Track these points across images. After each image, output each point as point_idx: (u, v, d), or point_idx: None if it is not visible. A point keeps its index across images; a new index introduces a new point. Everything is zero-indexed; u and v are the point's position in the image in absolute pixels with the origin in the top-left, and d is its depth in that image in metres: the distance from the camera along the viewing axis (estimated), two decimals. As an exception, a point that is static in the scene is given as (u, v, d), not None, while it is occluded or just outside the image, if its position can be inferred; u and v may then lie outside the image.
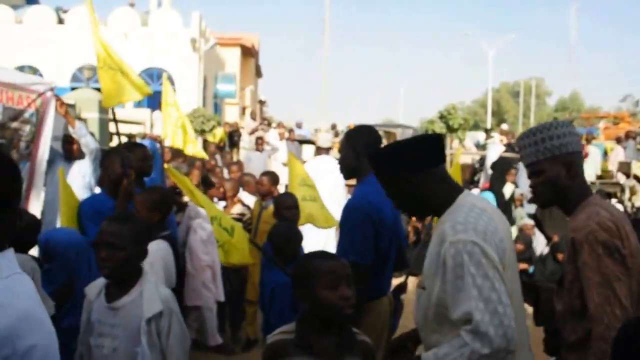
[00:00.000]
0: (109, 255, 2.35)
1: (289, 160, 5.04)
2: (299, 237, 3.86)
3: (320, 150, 7.33)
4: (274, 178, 5.53)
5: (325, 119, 26.38)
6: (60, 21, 21.64)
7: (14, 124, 4.04)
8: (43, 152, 4.44)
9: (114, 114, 4.36)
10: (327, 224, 5.12)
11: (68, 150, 5.44)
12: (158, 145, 5.59)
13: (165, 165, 5.62)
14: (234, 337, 5.60)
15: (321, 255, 2.17)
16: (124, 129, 12.66)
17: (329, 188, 5.96)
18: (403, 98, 63.51)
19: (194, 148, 5.91)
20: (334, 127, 23.23)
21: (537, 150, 2.17)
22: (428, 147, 2.09)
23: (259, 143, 11.83)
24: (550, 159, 2.15)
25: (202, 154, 6.79)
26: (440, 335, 2.00)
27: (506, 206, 8.81)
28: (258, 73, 35.36)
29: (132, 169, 3.97)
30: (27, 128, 4.17)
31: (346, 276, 2.03)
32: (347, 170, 3.25)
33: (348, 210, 3.08)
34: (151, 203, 3.50)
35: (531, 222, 8.36)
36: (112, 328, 2.37)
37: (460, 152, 5.95)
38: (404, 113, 60.41)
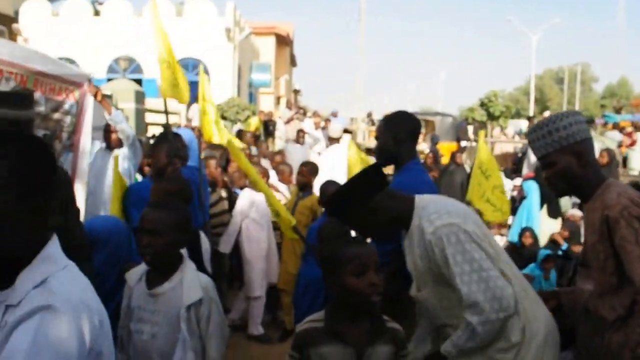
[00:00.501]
0: (150, 241, 2.35)
1: (349, 149, 4.94)
2: (346, 237, 3.72)
3: (332, 141, 7.61)
4: (313, 169, 5.43)
5: (361, 107, 26.09)
6: (96, 13, 21.82)
7: (56, 115, 4.04)
8: (85, 143, 4.47)
9: (165, 104, 4.55)
10: None
11: (108, 139, 5.46)
12: (195, 134, 5.52)
13: (203, 147, 5.54)
14: (271, 324, 5.61)
15: (348, 241, 2.16)
16: (159, 119, 12.64)
17: (341, 177, 6.00)
18: (442, 86, 62.53)
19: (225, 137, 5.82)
20: (369, 115, 22.94)
21: (545, 144, 2.24)
22: (370, 176, 2.34)
23: (300, 135, 11.60)
24: (560, 150, 2.22)
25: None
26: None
27: (552, 195, 8.40)
28: (293, 62, 35.22)
29: (177, 158, 4.03)
30: (67, 119, 4.18)
31: (374, 263, 2.01)
32: (386, 157, 3.08)
33: None
34: (164, 193, 3.44)
35: (579, 213, 7.97)
36: (152, 314, 2.37)
37: (483, 136, 5.67)
38: (443, 101, 59.54)
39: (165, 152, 3.99)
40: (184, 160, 4.39)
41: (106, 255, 2.93)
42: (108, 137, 5.44)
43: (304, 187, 5.33)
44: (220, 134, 5.08)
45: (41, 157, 1.29)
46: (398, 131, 3.03)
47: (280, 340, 5.29)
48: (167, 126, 4.52)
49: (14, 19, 20.54)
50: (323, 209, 4.57)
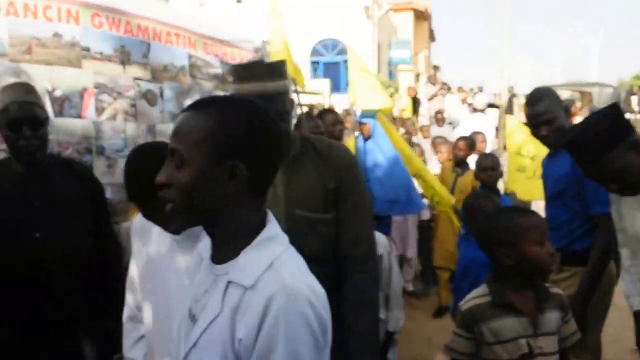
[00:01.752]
0: None
1: (511, 125, 4.77)
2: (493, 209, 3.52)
3: (476, 111, 8.35)
4: (471, 143, 5.19)
5: (505, 81, 24.79)
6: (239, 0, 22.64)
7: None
8: None
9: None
10: (528, 197, 4.79)
11: None
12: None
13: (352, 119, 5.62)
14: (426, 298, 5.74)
15: (521, 211, 2.13)
16: (303, 99, 12.91)
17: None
18: (596, 54, 57.25)
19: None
20: (510, 90, 21.91)
21: None
22: (615, 118, 2.11)
23: (439, 118, 11.27)
24: None
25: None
26: None
27: None
28: (431, 37, 34.34)
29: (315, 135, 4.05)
30: None
31: (547, 232, 2.00)
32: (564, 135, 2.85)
33: None
34: None
35: None
36: None
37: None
38: (599, 70, 54.52)
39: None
40: (339, 136, 4.45)
41: None
42: None
43: (461, 163, 5.16)
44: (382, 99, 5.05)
45: (250, 123, 1.22)
46: (561, 102, 2.91)
47: (435, 316, 5.28)
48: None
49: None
50: (480, 184, 4.41)
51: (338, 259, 2.04)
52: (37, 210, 2.41)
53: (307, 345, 1.14)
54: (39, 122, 2.39)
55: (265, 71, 1.99)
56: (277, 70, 2.02)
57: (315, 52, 21.83)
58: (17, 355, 2.35)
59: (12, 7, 2.79)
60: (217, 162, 1.19)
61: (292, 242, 1.90)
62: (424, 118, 13.69)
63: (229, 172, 1.19)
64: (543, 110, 2.85)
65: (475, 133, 6.23)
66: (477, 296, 2.05)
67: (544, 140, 2.94)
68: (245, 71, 2.02)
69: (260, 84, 1.95)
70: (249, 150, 1.21)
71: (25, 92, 2.43)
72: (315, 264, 1.93)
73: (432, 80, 15.82)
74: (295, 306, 1.13)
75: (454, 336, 2.04)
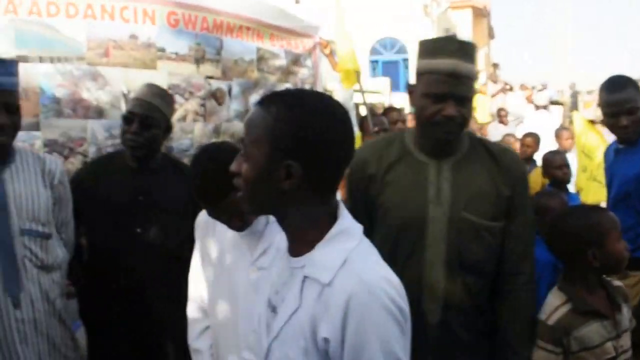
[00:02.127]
0: None
1: (580, 123, 4.62)
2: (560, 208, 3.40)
3: (538, 109, 8.18)
4: (538, 139, 5.09)
5: (566, 79, 24.11)
6: (297, 1, 22.80)
7: (295, 68, 4.05)
8: None
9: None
10: (585, 198, 4.65)
11: None
12: None
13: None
14: None
15: (597, 208, 2.10)
16: (359, 98, 12.87)
17: (548, 144, 5.87)
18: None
19: None
20: (572, 87, 21.25)
21: None
22: None
23: (502, 115, 11.01)
24: None
25: None
26: None
27: None
28: (490, 34, 33.66)
29: (379, 132, 4.24)
30: (305, 71, 4.17)
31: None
32: None
33: None
34: None
35: None
36: None
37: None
38: (664, 66, 51.78)
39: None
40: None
41: None
42: None
43: (529, 159, 5.06)
44: None
45: (308, 121, 1.19)
46: None
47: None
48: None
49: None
50: (548, 181, 4.30)
51: (499, 273, 1.91)
52: (141, 206, 2.48)
53: (396, 336, 1.15)
54: (148, 122, 2.46)
55: (458, 49, 1.80)
56: (469, 51, 1.84)
57: (374, 51, 21.75)
58: (102, 346, 2.44)
59: (89, 9, 2.85)
60: (273, 160, 1.19)
61: (454, 247, 1.85)
62: (483, 116, 13.40)
63: (285, 171, 1.18)
64: (626, 98, 2.60)
65: (561, 129, 6.07)
66: (558, 306, 1.93)
67: (619, 131, 2.70)
68: (436, 45, 1.85)
69: (451, 61, 1.78)
70: (305, 149, 1.18)
71: (151, 93, 2.52)
72: (474, 274, 1.86)
73: (492, 78, 15.47)
74: (376, 301, 1.13)
75: (542, 352, 1.91)
